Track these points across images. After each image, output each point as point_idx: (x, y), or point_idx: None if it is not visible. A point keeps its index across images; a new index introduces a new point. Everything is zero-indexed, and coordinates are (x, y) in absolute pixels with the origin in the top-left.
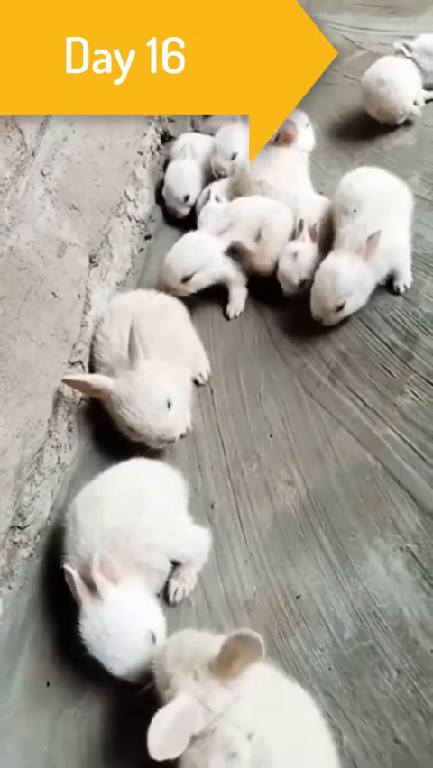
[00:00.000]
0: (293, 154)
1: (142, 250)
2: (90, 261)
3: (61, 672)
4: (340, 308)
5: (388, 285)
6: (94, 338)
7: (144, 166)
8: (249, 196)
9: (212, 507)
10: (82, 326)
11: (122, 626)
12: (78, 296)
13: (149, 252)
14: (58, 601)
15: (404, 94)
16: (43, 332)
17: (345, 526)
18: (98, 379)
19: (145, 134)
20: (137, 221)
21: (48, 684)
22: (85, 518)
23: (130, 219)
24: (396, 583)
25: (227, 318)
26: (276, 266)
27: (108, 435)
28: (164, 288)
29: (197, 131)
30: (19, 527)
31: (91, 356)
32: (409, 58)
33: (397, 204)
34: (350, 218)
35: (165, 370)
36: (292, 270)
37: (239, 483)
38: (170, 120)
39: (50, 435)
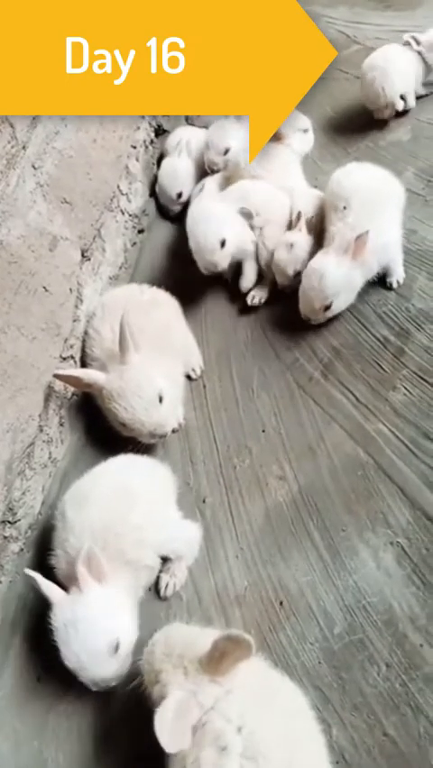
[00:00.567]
0: (286, 151)
1: (135, 244)
2: (82, 256)
3: (52, 667)
4: (328, 308)
5: (381, 280)
6: (86, 332)
7: (138, 159)
8: None
9: (204, 501)
10: (74, 321)
11: (90, 627)
12: (70, 290)
13: (142, 246)
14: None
15: (390, 85)
16: (34, 326)
17: (336, 521)
18: (90, 374)
19: (138, 128)
20: (130, 215)
21: (38, 679)
22: (73, 515)
23: (123, 213)
24: (386, 578)
25: (243, 293)
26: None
27: (100, 430)
28: (207, 265)
29: (192, 124)
30: (9, 522)
31: (83, 350)
32: (417, 51)
33: (387, 200)
34: (340, 216)
35: (157, 364)
36: (288, 261)
37: (231, 478)
38: None
39: (41, 430)
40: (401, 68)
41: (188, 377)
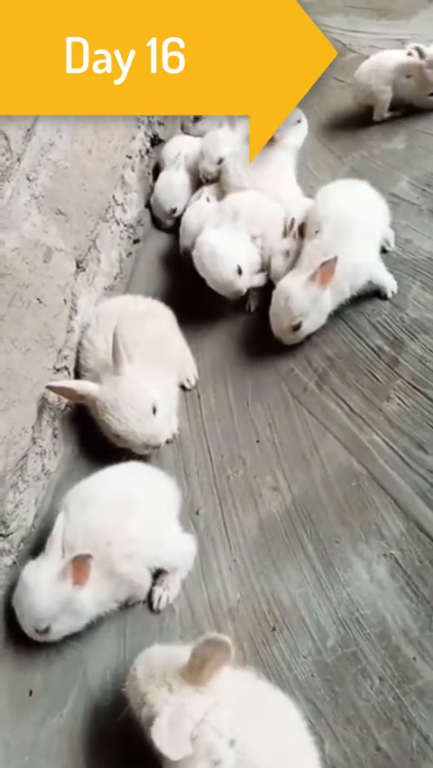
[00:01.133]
0: (281, 154)
1: (130, 254)
2: (77, 266)
3: (44, 681)
4: (297, 328)
5: (375, 290)
6: (80, 343)
7: (133, 170)
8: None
9: (197, 512)
10: (68, 332)
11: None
12: (65, 301)
13: (137, 256)
14: None
15: (377, 82)
16: (28, 338)
17: (329, 533)
18: (83, 385)
19: (134, 138)
20: (125, 225)
21: (30, 693)
22: (73, 513)
23: (118, 223)
24: (379, 590)
25: (248, 312)
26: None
27: (94, 441)
28: (231, 295)
29: (187, 133)
30: (2, 535)
31: (77, 362)
32: (419, 65)
33: (361, 225)
34: (313, 237)
35: (151, 375)
36: (283, 269)
37: (225, 489)
38: (160, 123)
39: (35, 442)
40: (393, 72)
41: (183, 387)
